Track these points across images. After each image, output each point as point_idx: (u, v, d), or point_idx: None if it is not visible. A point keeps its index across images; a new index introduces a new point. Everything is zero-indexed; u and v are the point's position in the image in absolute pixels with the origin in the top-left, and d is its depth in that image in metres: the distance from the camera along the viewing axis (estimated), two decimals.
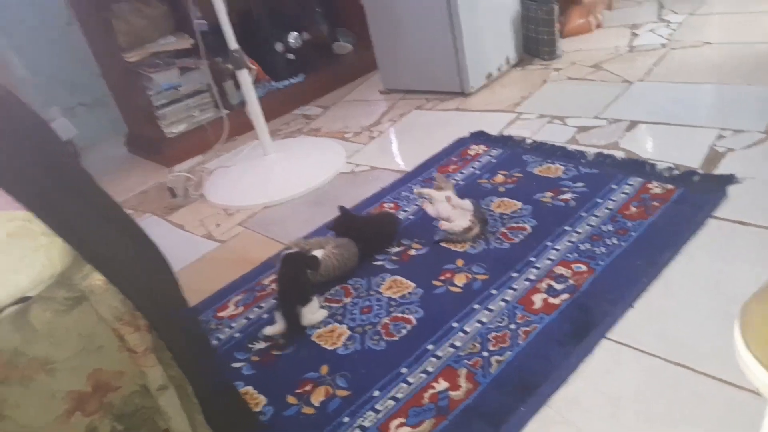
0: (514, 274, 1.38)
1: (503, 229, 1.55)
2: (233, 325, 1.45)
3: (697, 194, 1.49)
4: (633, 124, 1.93)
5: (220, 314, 1.50)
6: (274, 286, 1.54)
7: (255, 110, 2.16)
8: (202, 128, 2.65)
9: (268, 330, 1.37)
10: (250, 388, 1.24)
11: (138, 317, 0.70)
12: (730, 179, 1.51)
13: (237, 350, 1.36)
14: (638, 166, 1.67)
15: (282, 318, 1.36)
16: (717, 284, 1.22)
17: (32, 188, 0.65)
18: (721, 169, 1.58)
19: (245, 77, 2.12)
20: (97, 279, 0.67)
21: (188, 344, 0.79)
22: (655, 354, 1.10)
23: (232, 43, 2.06)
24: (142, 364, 0.70)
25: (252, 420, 1.03)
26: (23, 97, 0.73)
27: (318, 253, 1.49)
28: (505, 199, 1.68)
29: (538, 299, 1.29)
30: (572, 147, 1.87)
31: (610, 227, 1.45)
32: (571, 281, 1.31)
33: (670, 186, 1.55)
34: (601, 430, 0.99)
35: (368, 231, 1.59)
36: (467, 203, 1.54)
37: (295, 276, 1.41)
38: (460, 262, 1.46)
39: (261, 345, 1.36)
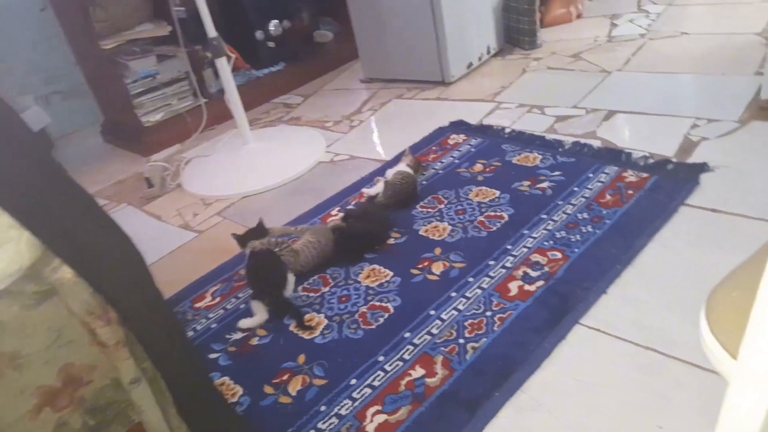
0: (491, 262, 1.39)
1: (481, 218, 1.56)
2: (210, 315, 1.44)
3: (671, 182, 1.51)
4: (610, 114, 1.95)
5: (197, 305, 1.49)
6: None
7: (234, 99, 2.14)
8: (181, 117, 2.62)
9: (245, 323, 1.36)
10: (226, 379, 1.24)
11: (109, 310, 0.69)
12: (703, 167, 1.54)
13: (214, 341, 1.35)
14: (614, 155, 1.69)
15: (264, 307, 1.36)
16: (689, 271, 1.25)
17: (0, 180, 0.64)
18: (695, 157, 1.60)
19: (224, 65, 2.10)
20: (66, 272, 0.66)
21: (161, 337, 0.79)
22: (629, 339, 1.12)
23: (211, 31, 2.03)
24: (114, 358, 0.70)
25: (227, 411, 1.03)
26: None
27: (296, 245, 1.49)
28: (484, 188, 1.69)
29: (514, 286, 1.30)
30: (550, 136, 1.88)
31: (585, 215, 1.47)
32: (546, 268, 1.33)
33: (644, 174, 1.57)
34: (574, 415, 1.01)
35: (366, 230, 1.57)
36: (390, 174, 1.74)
37: (271, 263, 1.43)
38: (438, 251, 1.47)
39: (238, 335, 1.35)
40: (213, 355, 1.31)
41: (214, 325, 1.41)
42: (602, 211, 1.46)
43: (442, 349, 1.19)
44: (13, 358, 0.64)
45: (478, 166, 1.81)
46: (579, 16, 2.95)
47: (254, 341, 1.33)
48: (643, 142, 1.73)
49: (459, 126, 2.11)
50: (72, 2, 2.41)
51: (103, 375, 0.72)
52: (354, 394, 1.13)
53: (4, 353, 0.63)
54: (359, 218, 1.60)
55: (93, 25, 2.41)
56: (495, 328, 1.20)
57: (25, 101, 2.65)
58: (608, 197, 1.51)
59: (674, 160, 1.61)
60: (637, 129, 1.83)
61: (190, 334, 1.39)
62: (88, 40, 2.47)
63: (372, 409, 1.09)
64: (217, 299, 1.49)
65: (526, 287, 1.29)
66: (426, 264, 1.44)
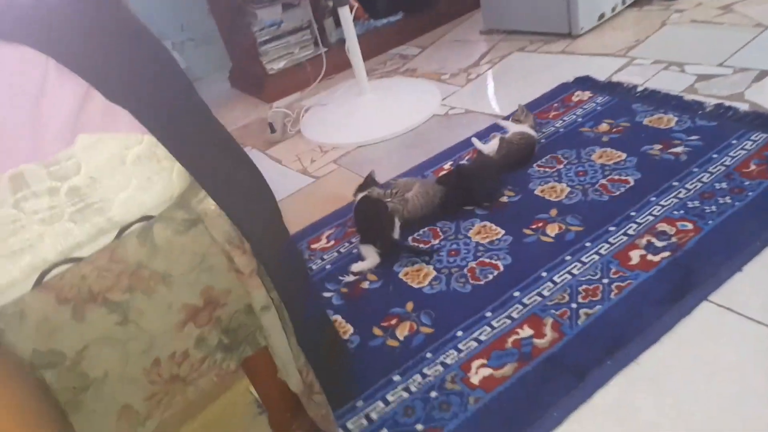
0: (612, 228, 1.32)
1: (603, 181, 1.48)
2: (325, 257, 1.51)
3: None
4: (763, 74, 1.74)
5: (313, 246, 1.57)
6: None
7: (354, 48, 2.16)
8: (302, 65, 2.70)
9: (357, 267, 1.42)
10: (339, 317, 1.30)
11: (244, 241, 0.75)
12: None
13: (328, 281, 1.42)
14: (764, 121, 1.51)
15: (374, 252, 1.40)
16: None
17: (157, 113, 0.70)
18: None
19: (346, 14, 2.11)
20: (210, 204, 0.72)
21: (286, 270, 0.84)
22: (762, 321, 1.03)
23: None
24: (248, 285, 0.76)
25: (341, 347, 1.09)
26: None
27: (407, 194, 1.51)
28: (608, 149, 1.59)
29: (635, 255, 1.23)
30: (689, 97, 1.72)
31: (724, 185, 1.34)
32: (674, 239, 1.24)
33: None
34: (691, 396, 0.96)
35: (473, 181, 1.56)
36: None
37: (377, 208, 1.47)
38: (553, 212, 1.43)
39: (350, 278, 1.41)
40: (327, 294, 1.38)
41: (328, 266, 1.47)
42: (744, 182, 1.33)
43: (553, 311, 1.16)
44: (165, 276, 0.71)
45: (604, 126, 1.71)
46: None
47: (365, 285, 1.38)
48: None
49: (585, 82, 1.99)
50: None
51: (237, 300, 0.79)
52: (460, 346, 1.15)
53: (157, 271, 0.70)
54: (466, 174, 1.58)
55: None
56: (611, 296, 1.16)
57: None
58: (753, 167, 1.37)
59: None
60: None
61: None
62: None
63: (477, 362, 1.10)
64: (332, 242, 1.56)
65: (650, 257, 1.22)
66: (540, 225, 1.40)
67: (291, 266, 0.86)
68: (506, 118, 1.84)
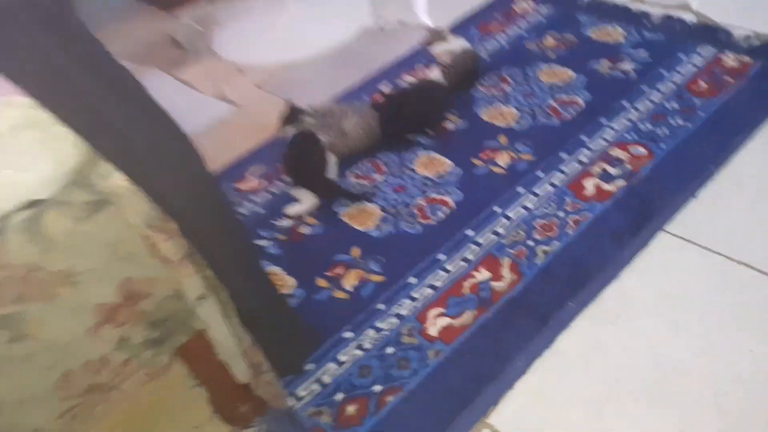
0: (564, 155, 1.25)
1: (552, 103, 1.39)
2: (255, 199, 1.35)
3: None
4: None
5: (240, 186, 1.39)
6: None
7: None
8: None
9: (292, 209, 1.28)
10: (278, 269, 1.18)
11: (169, 222, 0.60)
12: None
13: (261, 227, 1.27)
14: (711, 33, 1.47)
15: (310, 193, 1.27)
16: None
17: (32, 66, 0.51)
18: None
19: None
20: (118, 179, 0.56)
21: (224, 244, 0.70)
22: (720, 252, 1.02)
23: None
24: (179, 274, 0.62)
25: (290, 319, 0.96)
26: None
27: (345, 126, 1.35)
28: (556, 66, 1.50)
29: (590, 185, 1.18)
30: (636, 7, 1.63)
31: (675, 105, 1.30)
32: (628, 166, 1.20)
33: (746, 59, 1.36)
34: (655, 332, 0.94)
35: (415, 105, 1.42)
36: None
37: (307, 147, 1.32)
38: (503, 139, 1.33)
39: (286, 223, 1.27)
40: (262, 243, 1.23)
41: (260, 210, 1.32)
42: (695, 101, 1.29)
43: (510, 251, 1.10)
44: (68, 276, 0.56)
45: (550, 41, 1.60)
46: None
47: (304, 230, 1.25)
48: (748, 19, 1.48)
49: None
50: None
51: (164, 287, 0.65)
52: (414, 294, 1.07)
53: (56, 272, 0.55)
54: (406, 96, 1.45)
55: None
56: (569, 231, 1.11)
57: None
58: (702, 85, 1.33)
59: None
60: (741, 2, 1.57)
61: None
62: None
63: (434, 311, 1.04)
64: (262, 181, 1.39)
65: (605, 186, 1.17)
66: (489, 154, 1.31)
67: (228, 237, 0.72)
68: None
